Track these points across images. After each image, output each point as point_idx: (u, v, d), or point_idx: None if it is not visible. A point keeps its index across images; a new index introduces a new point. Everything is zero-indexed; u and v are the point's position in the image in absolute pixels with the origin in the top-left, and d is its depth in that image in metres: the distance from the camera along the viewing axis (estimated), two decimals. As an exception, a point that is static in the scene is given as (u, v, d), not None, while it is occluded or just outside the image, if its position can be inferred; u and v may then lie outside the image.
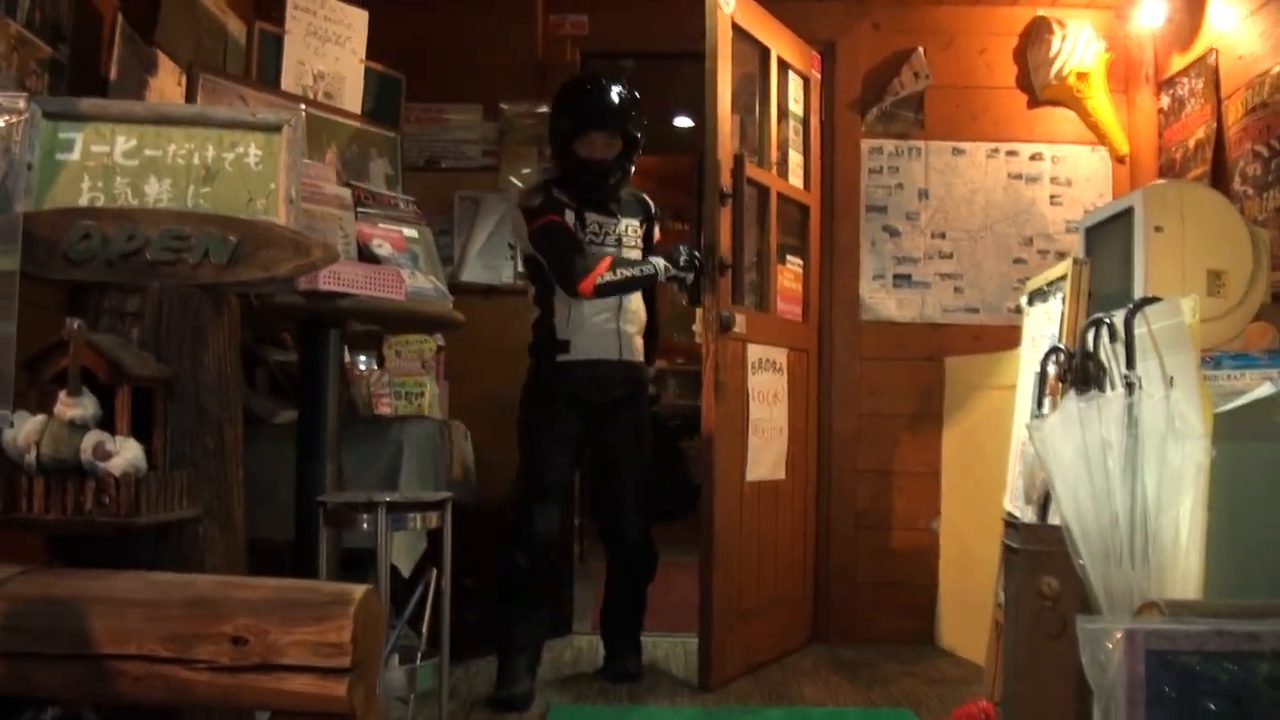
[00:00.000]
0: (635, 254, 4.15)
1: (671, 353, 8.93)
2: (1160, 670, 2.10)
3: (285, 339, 4.11)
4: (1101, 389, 3.11)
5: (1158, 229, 3.54)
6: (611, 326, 4.11)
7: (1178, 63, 4.82)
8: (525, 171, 4.98)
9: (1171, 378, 2.77)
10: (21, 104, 2.53)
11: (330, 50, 3.55)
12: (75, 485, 2.19)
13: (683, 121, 9.00)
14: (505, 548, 3.97)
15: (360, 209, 3.41)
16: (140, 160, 2.62)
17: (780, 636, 4.77)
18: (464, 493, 3.91)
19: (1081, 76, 5.07)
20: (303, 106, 3.45)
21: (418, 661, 3.06)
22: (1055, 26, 5.08)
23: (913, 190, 5.19)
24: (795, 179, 4.98)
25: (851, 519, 5.12)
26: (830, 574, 5.09)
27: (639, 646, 4.37)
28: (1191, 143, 4.62)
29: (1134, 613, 2.59)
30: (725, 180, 4.27)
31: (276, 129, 2.65)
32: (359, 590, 2.01)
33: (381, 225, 3.43)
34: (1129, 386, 2.91)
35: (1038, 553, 3.05)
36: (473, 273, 4.90)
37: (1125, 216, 3.66)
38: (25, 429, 2.23)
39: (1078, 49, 5.05)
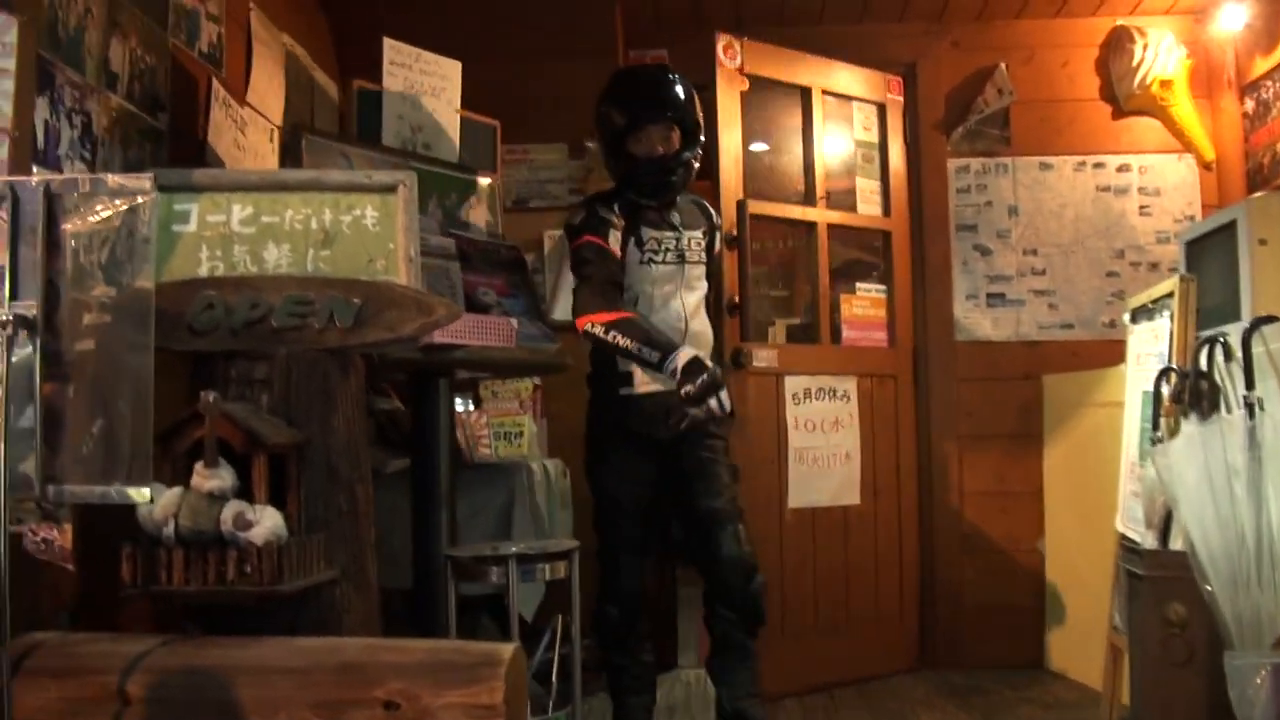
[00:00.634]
0: (699, 270, 3.65)
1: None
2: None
3: (387, 388, 4.15)
4: (1218, 410, 3.07)
5: (1262, 242, 3.49)
6: None
7: (1261, 66, 4.77)
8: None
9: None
10: (147, 184, 2.58)
11: (427, 102, 3.60)
12: (216, 556, 2.22)
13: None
14: (598, 597, 3.58)
15: (463, 258, 3.44)
16: (258, 227, 2.67)
17: (862, 658, 4.83)
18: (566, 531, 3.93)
19: (1165, 84, 5.02)
20: (407, 161, 3.49)
21: (549, 713, 3.08)
22: (1136, 35, 5.03)
23: (1002, 207, 5.16)
24: (868, 206, 5.09)
25: (956, 540, 5.08)
26: (935, 597, 5.06)
27: None
28: (1280, 146, 4.57)
29: (1272, 644, 2.56)
30: (729, 225, 4.49)
31: (392, 190, 2.69)
32: (508, 650, 2.03)
33: (485, 273, 3.46)
34: (1249, 408, 2.88)
35: (1163, 579, 3.01)
36: (564, 310, 4.91)
37: (1228, 230, 3.62)
38: (162, 502, 2.27)
39: (1160, 57, 5.01)
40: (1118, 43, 5.12)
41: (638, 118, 3.54)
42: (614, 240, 3.47)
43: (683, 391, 3.18)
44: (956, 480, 5.10)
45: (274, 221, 2.67)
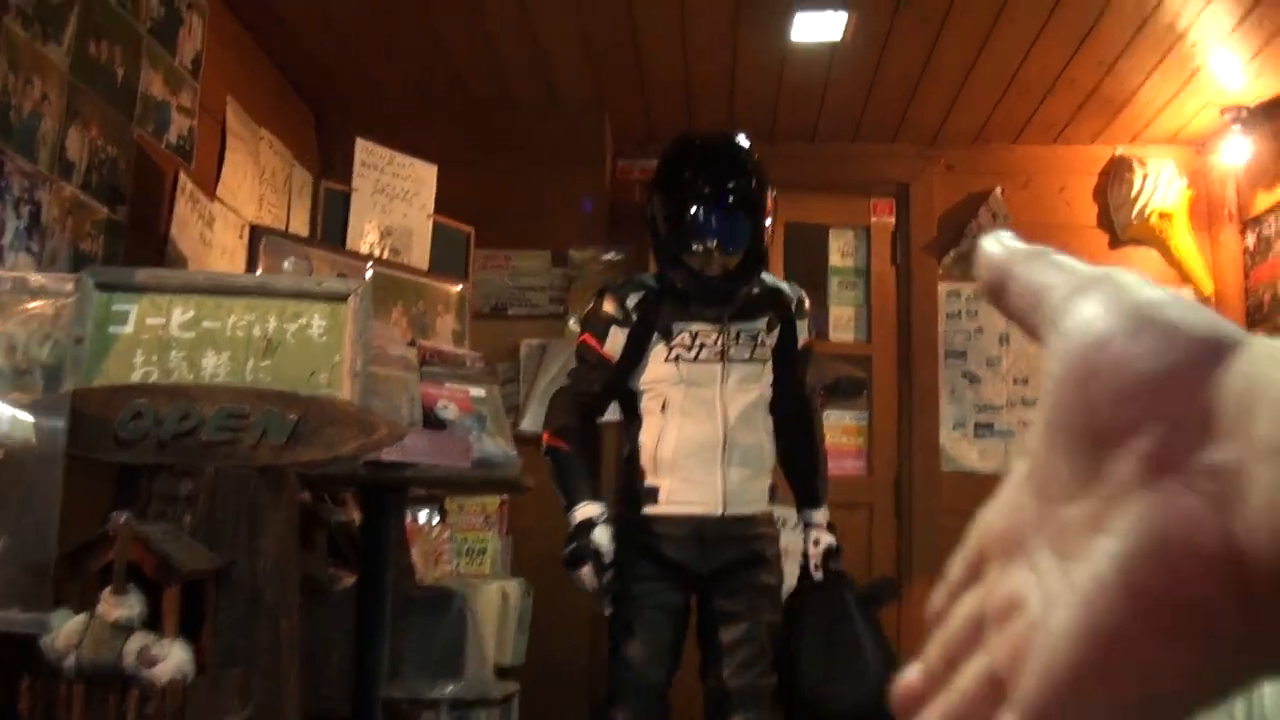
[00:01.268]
0: (753, 370, 3.04)
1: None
2: None
3: (345, 499, 3.97)
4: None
5: None
6: (715, 469, 2.98)
7: (1264, 201, 4.67)
8: (592, 317, 4.88)
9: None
10: (69, 286, 2.44)
11: (398, 206, 3.46)
12: (117, 693, 2.03)
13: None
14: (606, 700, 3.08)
15: (426, 368, 3.29)
16: (197, 332, 2.51)
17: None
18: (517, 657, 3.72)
19: (1164, 216, 4.92)
20: (370, 265, 3.35)
21: None
22: (1136, 165, 4.94)
23: (993, 335, 5.02)
24: (843, 333, 5.02)
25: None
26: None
27: None
28: (1282, 283, 4.45)
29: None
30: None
31: (342, 298, 2.53)
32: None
33: (448, 385, 3.30)
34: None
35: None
36: (536, 421, 4.74)
37: None
38: (65, 630, 2.08)
39: (1160, 187, 4.91)
40: (1117, 171, 5.03)
41: (696, 235, 2.95)
42: (613, 340, 3.01)
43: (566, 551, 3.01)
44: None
45: (215, 327, 2.51)
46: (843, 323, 4.93)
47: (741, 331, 3.04)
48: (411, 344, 3.26)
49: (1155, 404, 0.33)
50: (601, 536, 2.94)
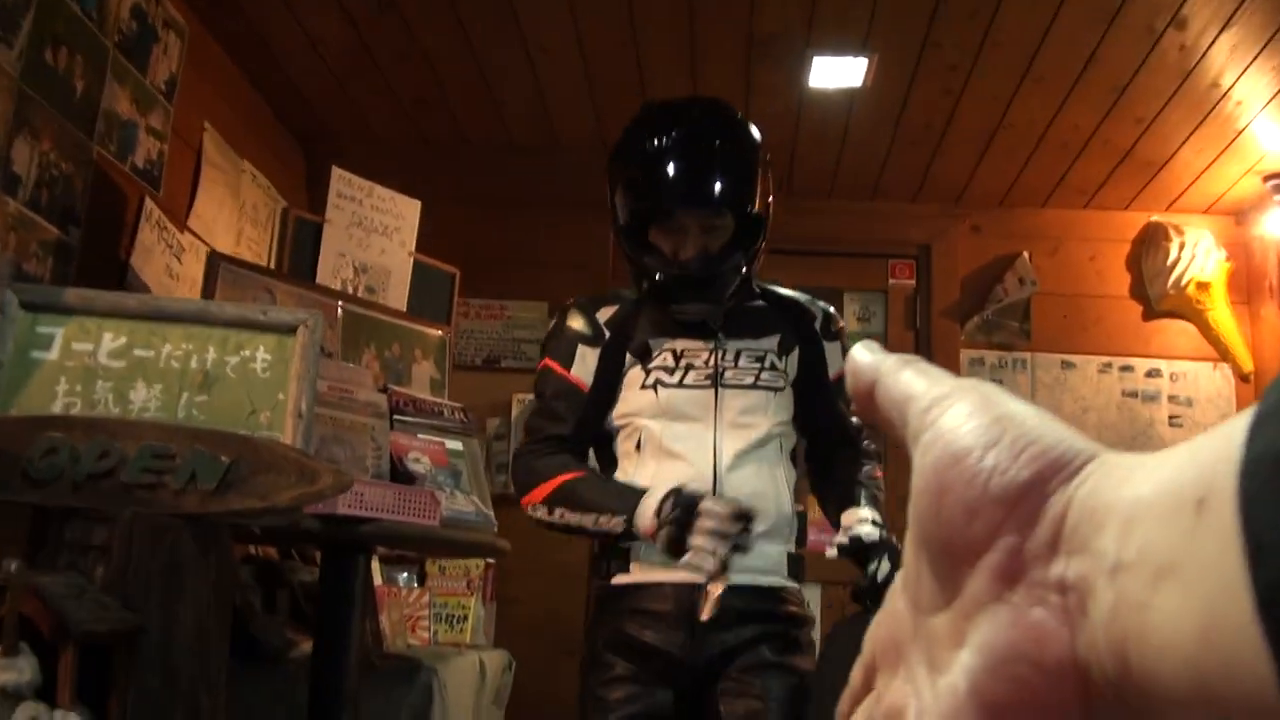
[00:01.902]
0: (755, 400, 2.32)
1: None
2: None
3: (312, 555, 3.67)
4: None
5: None
6: None
7: (1308, 275, 4.39)
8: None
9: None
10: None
11: (376, 241, 3.19)
12: (-6, 773, 1.73)
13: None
14: None
15: (398, 417, 3.00)
16: (128, 361, 2.23)
17: None
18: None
19: (1202, 287, 4.63)
20: (340, 303, 3.07)
21: None
22: (1172, 233, 4.66)
23: (1017, 406, 4.72)
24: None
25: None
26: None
27: None
28: (1329, 361, 4.16)
29: None
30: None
31: (291, 330, 2.25)
32: None
33: (421, 436, 3.01)
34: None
35: None
36: (526, 481, 4.46)
37: None
38: (-58, 696, 1.79)
39: (1197, 257, 4.63)
40: (1152, 239, 4.75)
41: (659, 197, 2.30)
42: (582, 363, 2.35)
43: (659, 536, 2.08)
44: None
45: (147, 356, 2.23)
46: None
47: (741, 351, 2.35)
48: (383, 389, 2.98)
49: (1005, 520, 0.33)
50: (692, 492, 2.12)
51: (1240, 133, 4.15)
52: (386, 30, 3.83)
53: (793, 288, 2.54)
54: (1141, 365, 4.73)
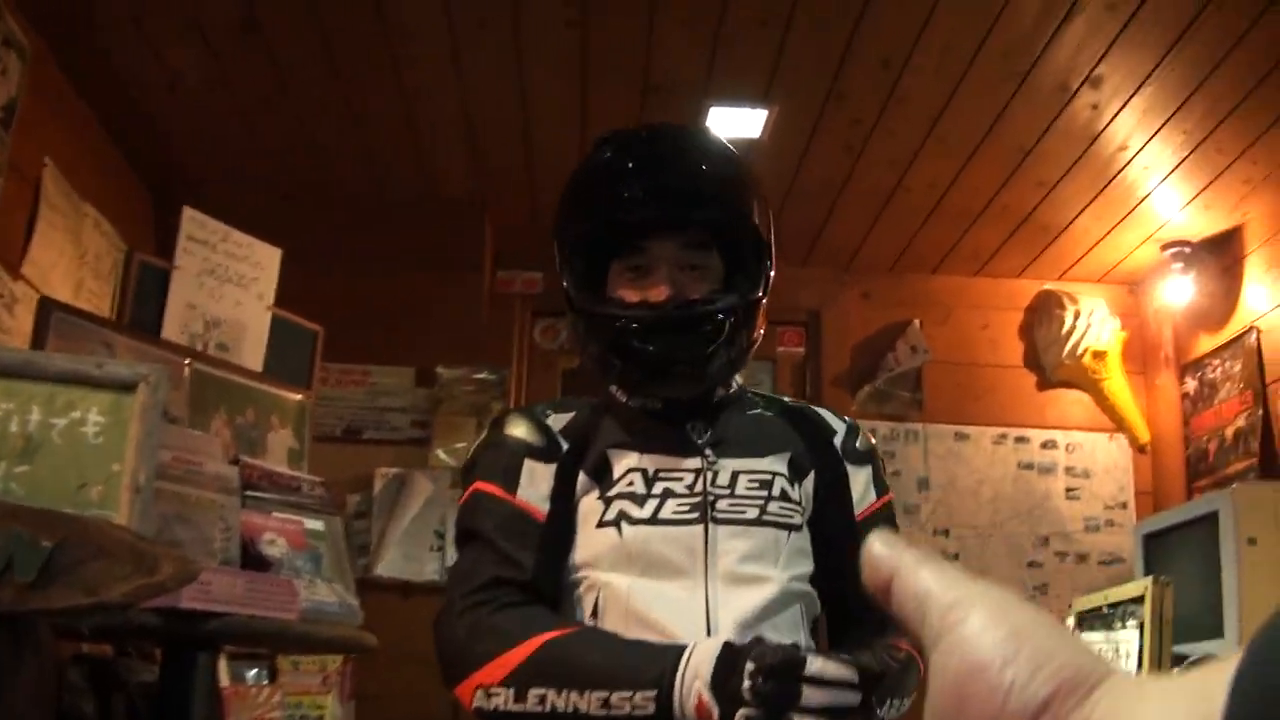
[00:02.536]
0: (765, 539, 1.59)
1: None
2: None
3: (153, 653, 3.27)
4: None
5: (1251, 541, 2.94)
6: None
7: (1206, 344, 4.30)
8: (459, 446, 4.21)
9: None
10: None
11: (230, 293, 2.83)
12: None
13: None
14: None
15: (251, 493, 2.63)
16: (-72, 425, 1.85)
17: None
18: None
19: (1098, 356, 4.52)
20: (188, 361, 2.71)
21: None
22: (1066, 301, 4.55)
23: (911, 479, 4.52)
24: None
25: None
26: None
27: None
28: (1229, 432, 4.06)
29: None
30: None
31: (129, 388, 1.90)
32: None
33: (277, 515, 2.64)
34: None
35: None
36: (391, 566, 4.08)
37: (1205, 524, 3.06)
38: None
39: (1093, 326, 4.53)
40: (1045, 308, 4.63)
41: (621, 212, 1.67)
42: (531, 483, 1.62)
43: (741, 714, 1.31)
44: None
45: (-48, 418, 1.85)
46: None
47: (740, 473, 1.63)
48: (234, 462, 2.62)
49: None
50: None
51: (1142, 201, 4.05)
52: (251, 66, 3.50)
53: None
54: (1037, 436, 4.58)
